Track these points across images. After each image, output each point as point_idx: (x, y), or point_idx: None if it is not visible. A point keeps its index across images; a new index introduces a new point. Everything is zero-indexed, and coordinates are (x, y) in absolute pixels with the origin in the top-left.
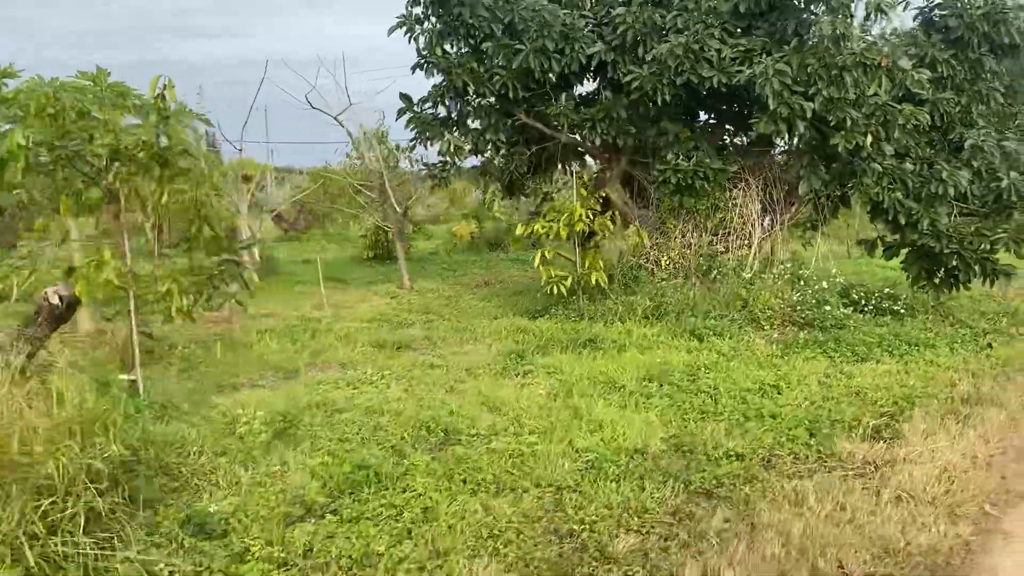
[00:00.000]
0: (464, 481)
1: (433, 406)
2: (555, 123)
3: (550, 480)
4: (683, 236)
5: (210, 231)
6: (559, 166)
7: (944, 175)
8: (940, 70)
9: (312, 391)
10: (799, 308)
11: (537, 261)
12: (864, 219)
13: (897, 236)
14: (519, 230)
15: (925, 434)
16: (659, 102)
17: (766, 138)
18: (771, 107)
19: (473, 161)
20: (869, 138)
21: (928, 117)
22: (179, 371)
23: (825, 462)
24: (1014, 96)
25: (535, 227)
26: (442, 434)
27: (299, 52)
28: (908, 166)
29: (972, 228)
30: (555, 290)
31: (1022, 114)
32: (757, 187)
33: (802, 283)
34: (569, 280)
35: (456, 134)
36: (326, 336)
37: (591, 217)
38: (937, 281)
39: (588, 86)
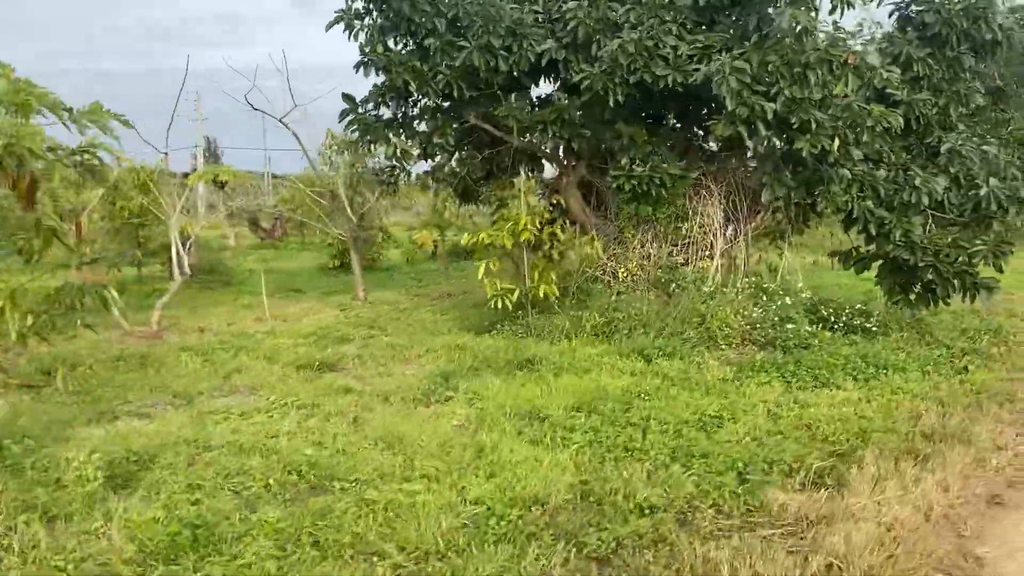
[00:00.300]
0: (315, 544)
1: (323, 442)
2: (506, 125)
3: (419, 542)
4: (642, 246)
5: (46, 242)
6: (521, 172)
7: (918, 182)
8: (916, 69)
9: (195, 422)
10: (760, 326)
11: (481, 272)
12: (841, 228)
13: (871, 247)
14: (464, 239)
15: (875, 480)
16: (612, 103)
17: (734, 142)
18: (729, 107)
19: (426, 166)
20: (836, 142)
21: (901, 119)
22: (71, 394)
23: (751, 517)
24: (1006, 101)
25: (481, 236)
26: (313, 479)
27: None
28: (880, 172)
29: (949, 239)
30: (499, 304)
31: (1015, 120)
32: (720, 194)
33: (765, 298)
34: (516, 294)
35: (403, 137)
36: (250, 354)
37: (539, 226)
38: (913, 296)
39: (545, 87)
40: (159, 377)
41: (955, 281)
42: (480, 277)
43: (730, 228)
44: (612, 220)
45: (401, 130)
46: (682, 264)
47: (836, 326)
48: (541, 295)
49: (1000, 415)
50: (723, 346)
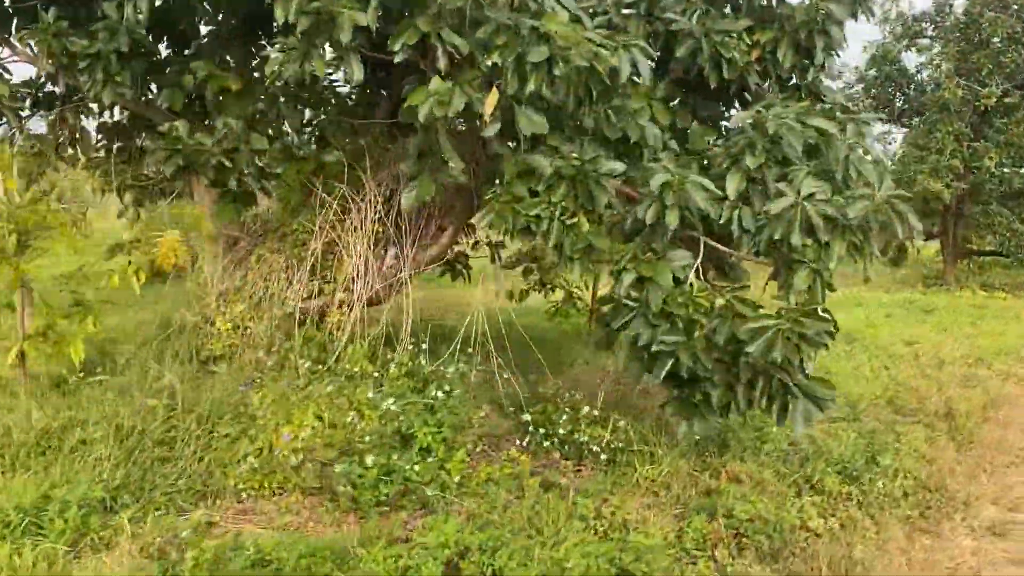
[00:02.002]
0: None
1: None
2: None
3: None
4: (265, 279)
5: None
6: None
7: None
8: None
9: None
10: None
11: None
12: None
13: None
14: None
15: None
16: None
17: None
18: None
19: None
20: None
21: None
22: None
23: None
24: None
25: None
26: None
27: None
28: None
29: (725, 297)
30: None
31: None
32: (375, 194)
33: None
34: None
35: None
36: None
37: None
38: (696, 400)
39: None
40: None
41: (758, 380)
42: None
43: (390, 254)
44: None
45: None
46: (316, 311)
47: (550, 439)
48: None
49: None
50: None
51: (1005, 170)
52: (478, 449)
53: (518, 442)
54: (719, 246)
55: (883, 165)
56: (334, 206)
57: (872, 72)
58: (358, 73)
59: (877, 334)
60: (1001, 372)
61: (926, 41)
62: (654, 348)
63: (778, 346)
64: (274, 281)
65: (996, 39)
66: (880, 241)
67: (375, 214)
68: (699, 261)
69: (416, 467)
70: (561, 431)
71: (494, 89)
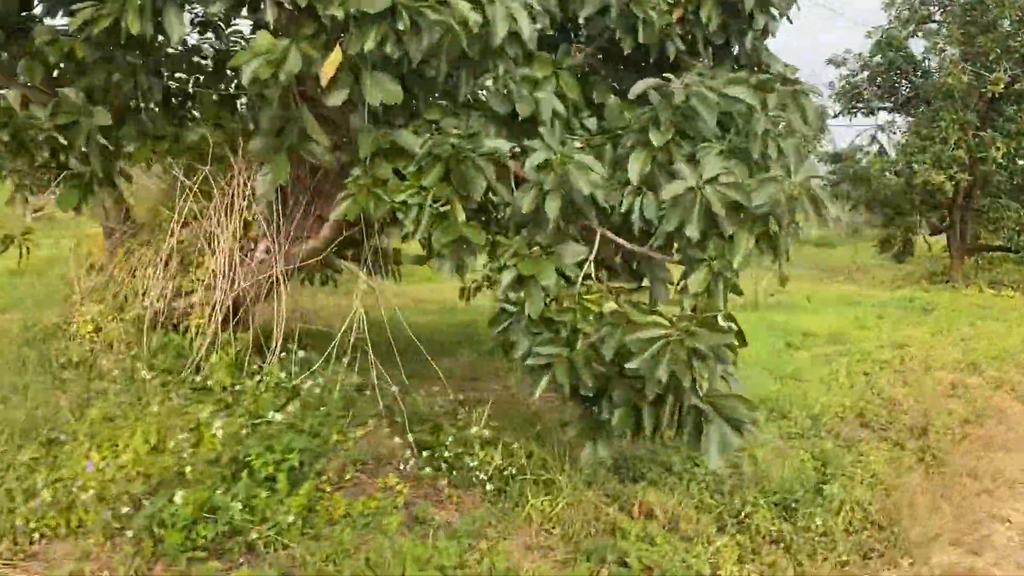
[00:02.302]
0: None
1: None
2: None
3: None
4: (131, 274)
5: None
6: None
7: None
8: None
9: None
10: None
11: None
12: None
13: None
14: None
15: None
16: None
17: None
18: None
19: None
20: None
21: None
22: None
23: None
24: None
25: None
26: None
27: None
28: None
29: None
30: None
31: None
32: (244, 178)
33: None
34: None
35: None
36: None
37: None
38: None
39: None
40: None
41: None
42: None
43: (261, 248)
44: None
45: None
46: (186, 310)
47: (424, 470)
48: None
49: None
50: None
51: (1021, 161)
52: (348, 477)
53: (403, 467)
54: (620, 240)
55: (805, 142)
56: (195, 191)
57: (877, 59)
58: (179, 29)
59: (865, 336)
60: (993, 380)
61: (934, 26)
62: (528, 361)
63: (664, 362)
64: (140, 279)
65: (1004, 21)
66: (794, 233)
67: (244, 200)
68: (592, 257)
69: (253, 502)
70: (447, 454)
71: (337, 47)
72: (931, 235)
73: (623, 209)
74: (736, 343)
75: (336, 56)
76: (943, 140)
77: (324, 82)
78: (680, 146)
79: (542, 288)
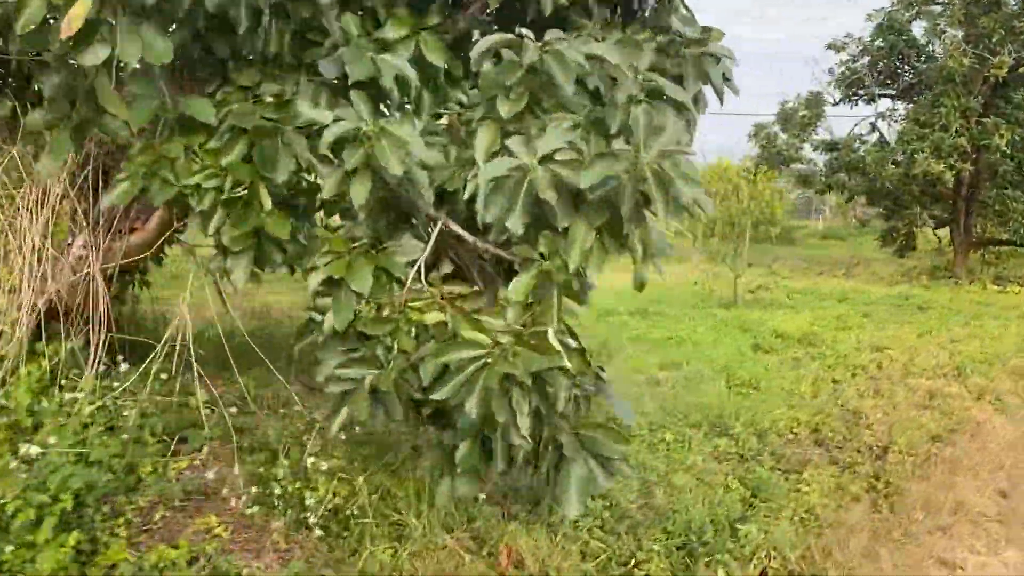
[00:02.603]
0: None
1: None
2: None
3: None
4: None
5: None
6: None
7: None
8: None
9: None
10: None
11: None
12: None
13: None
14: None
15: None
16: None
17: None
18: None
19: None
20: None
21: None
22: None
23: None
24: None
25: None
26: None
27: None
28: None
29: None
30: None
31: None
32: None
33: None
34: None
35: None
36: None
37: None
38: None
39: None
40: None
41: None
42: None
43: (78, 243)
44: None
45: None
46: None
47: (252, 508)
48: None
49: None
50: None
51: None
52: (157, 518)
53: (234, 503)
54: (465, 234)
55: (672, 115)
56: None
57: (878, 43)
58: None
59: (843, 337)
60: (976, 388)
61: (937, 8)
62: (329, 387)
63: (475, 391)
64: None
65: (1011, 0)
66: (639, 222)
67: (60, 187)
68: (427, 254)
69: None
70: (281, 490)
71: None
72: (937, 228)
73: (466, 195)
74: (574, 365)
75: (83, 5)
76: (943, 128)
77: (64, 35)
78: (538, 118)
79: (355, 294)
